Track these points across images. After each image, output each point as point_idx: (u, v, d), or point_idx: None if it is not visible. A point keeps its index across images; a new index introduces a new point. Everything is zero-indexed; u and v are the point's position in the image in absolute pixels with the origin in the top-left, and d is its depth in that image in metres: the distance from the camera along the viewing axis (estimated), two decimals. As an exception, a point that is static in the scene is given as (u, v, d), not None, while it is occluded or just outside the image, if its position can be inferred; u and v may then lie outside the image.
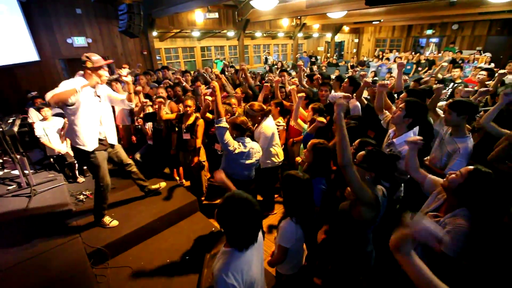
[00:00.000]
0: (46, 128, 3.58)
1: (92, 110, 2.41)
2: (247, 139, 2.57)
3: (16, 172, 3.47)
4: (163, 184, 3.24)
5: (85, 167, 3.91)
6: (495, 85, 3.45)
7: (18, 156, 3.18)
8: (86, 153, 2.44)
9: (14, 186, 3.36)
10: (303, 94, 3.02)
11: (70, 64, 7.40)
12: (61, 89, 2.14)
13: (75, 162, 3.72)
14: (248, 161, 2.57)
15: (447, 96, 4.31)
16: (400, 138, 2.20)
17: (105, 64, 2.39)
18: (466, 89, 3.33)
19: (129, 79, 2.65)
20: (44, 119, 3.60)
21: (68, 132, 2.45)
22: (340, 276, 1.87)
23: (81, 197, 3.21)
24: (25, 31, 5.63)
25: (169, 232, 2.89)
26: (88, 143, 2.41)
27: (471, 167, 1.46)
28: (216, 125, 2.40)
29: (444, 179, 1.54)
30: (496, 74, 3.63)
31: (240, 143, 2.50)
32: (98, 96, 2.50)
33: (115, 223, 2.72)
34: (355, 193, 1.57)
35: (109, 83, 3.82)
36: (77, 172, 3.74)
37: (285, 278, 1.86)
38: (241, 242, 1.19)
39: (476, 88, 4.05)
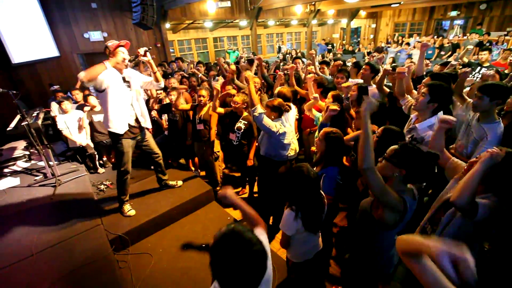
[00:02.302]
0: (67, 121, 3.72)
1: (121, 95, 2.51)
2: (284, 119, 2.60)
3: (42, 163, 3.65)
4: (180, 182, 3.29)
5: (104, 158, 4.06)
6: None
7: (43, 148, 3.34)
8: (116, 136, 2.58)
9: (41, 176, 3.55)
10: (312, 75, 3.01)
11: (88, 59, 7.61)
12: (93, 68, 2.27)
13: (95, 153, 3.85)
14: (286, 141, 2.62)
15: (475, 81, 4.04)
16: (423, 124, 2.08)
17: (119, 45, 2.44)
18: (484, 72, 3.04)
19: (147, 58, 2.67)
20: (64, 112, 3.74)
21: (104, 116, 2.58)
22: (356, 277, 1.80)
23: (102, 186, 3.34)
24: (45, 27, 5.82)
25: (185, 221, 2.96)
26: (119, 127, 2.54)
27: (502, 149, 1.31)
28: (253, 114, 2.45)
29: (464, 169, 1.43)
30: None
31: (281, 123, 2.54)
32: (128, 82, 2.58)
33: (132, 212, 2.81)
34: (376, 197, 1.44)
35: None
36: (97, 163, 3.88)
37: (291, 264, 1.86)
38: None
39: (506, 71, 3.77)
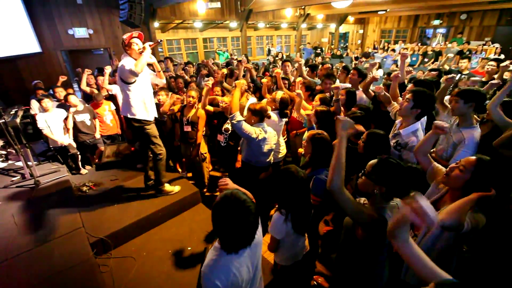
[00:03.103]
0: (48, 119, 3.58)
1: (147, 84, 2.66)
2: (265, 124, 2.56)
3: (20, 163, 3.49)
4: (177, 188, 3.16)
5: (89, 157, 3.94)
6: (499, 76, 3.34)
7: (22, 148, 3.20)
8: (145, 124, 2.66)
9: (18, 177, 3.39)
10: (300, 79, 2.94)
11: (72, 56, 7.38)
12: (141, 59, 2.38)
13: (78, 153, 3.73)
14: (267, 147, 2.57)
15: (452, 87, 4.21)
16: (407, 129, 2.15)
17: (132, 37, 2.48)
18: (472, 78, 3.25)
19: (153, 60, 2.67)
20: (45, 110, 3.59)
21: (128, 108, 2.58)
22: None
23: (84, 188, 3.22)
24: (26, 22, 5.60)
25: (171, 223, 2.90)
26: (150, 113, 2.68)
27: (473, 157, 1.37)
28: (231, 122, 2.41)
29: (444, 175, 1.46)
30: (500, 66, 3.53)
31: (261, 129, 2.49)
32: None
33: (178, 188, 3.05)
34: (351, 218, 1.39)
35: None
36: (80, 164, 3.76)
37: (280, 268, 1.86)
38: (231, 246, 1.11)
39: (484, 79, 3.95)
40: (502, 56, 7.47)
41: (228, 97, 3.09)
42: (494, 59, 4.12)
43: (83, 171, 3.73)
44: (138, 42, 2.51)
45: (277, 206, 1.71)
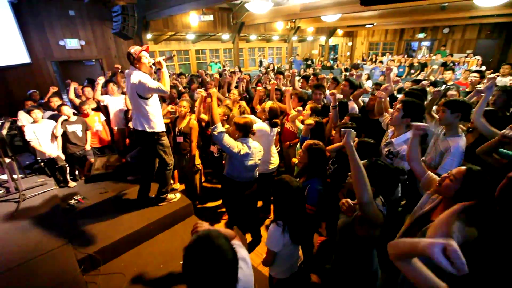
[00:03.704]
0: (37, 131, 3.49)
1: (157, 96, 2.69)
2: (250, 139, 2.54)
3: (4, 176, 3.37)
4: (178, 195, 3.15)
5: (76, 172, 3.84)
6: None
7: (7, 160, 3.09)
8: (159, 135, 2.69)
9: (2, 191, 3.27)
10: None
11: (62, 67, 7.31)
12: (165, 77, 2.47)
13: (66, 165, 3.64)
14: (251, 162, 2.53)
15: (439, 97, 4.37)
16: (399, 138, 2.21)
17: (142, 51, 2.49)
18: (449, 92, 3.40)
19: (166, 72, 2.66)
20: (35, 121, 3.51)
21: (147, 122, 2.59)
22: None
23: (72, 201, 3.12)
24: (16, 33, 5.54)
25: (163, 236, 2.83)
26: (162, 125, 2.72)
27: (463, 168, 1.42)
28: (212, 133, 2.36)
29: (436, 184, 1.49)
30: (486, 79, 3.69)
31: (244, 144, 2.46)
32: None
33: (179, 195, 3.10)
34: (371, 224, 1.44)
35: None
36: (68, 177, 3.66)
37: (276, 282, 1.83)
38: None
39: (467, 89, 4.11)
40: (484, 68, 7.81)
41: (222, 108, 3.10)
42: (476, 71, 4.32)
43: (71, 184, 3.62)
44: (147, 55, 2.52)
45: (272, 217, 1.70)
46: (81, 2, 6.26)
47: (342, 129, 1.49)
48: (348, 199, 1.63)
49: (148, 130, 2.61)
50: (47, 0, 5.96)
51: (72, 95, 4.46)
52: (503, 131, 1.83)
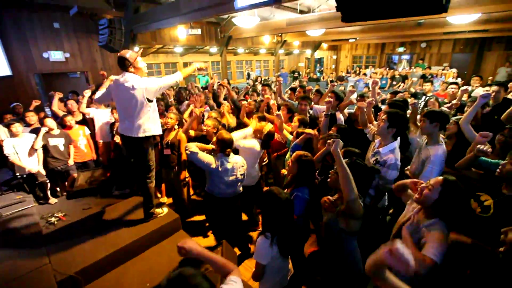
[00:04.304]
0: (17, 145, 3.35)
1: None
2: (231, 155, 2.53)
3: (-21, 194, 3.19)
4: (165, 209, 3.06)
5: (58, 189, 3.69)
6: (459, 99, 3.67)
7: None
8: (154, 139, 2.68)
9: (-24, 210, 3.07)
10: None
11: (45, 79, 7.13)
12: (164, 80, 2.51)
13: (47, 181, 3.48)
14: (231, 178, 2.52)
15: (420, 108, 4.57)
16: (385, 148, 2.28)
17: (138, 56, 2.46)
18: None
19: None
20: (15, 135, 3.38)
21: (153, 125, 2.56)
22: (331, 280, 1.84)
23: (53, 219, 2.98)
24: (-3, 45, 5.40)
25: (150, 253, 2.73)
26: (159, 127, 2.66)
27: (440, 178, 1.47)
28: (186, 153, 2.45)
29: (416, 194, 1.53)
30: (459, 91, 3.92)
31: (223, 159, 2.47)
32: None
33: (166, 209, 3.01)
34: (352, 212, 1.58)
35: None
36: (49, 193, 3.50)
37: None
38: None
39: (446, 100, 4.33)
40: (459, 80, 8.27)
41: (210, 120, 3.10)
42: (452, 83, 4.57)
43: (52, 200, 3.46)
44: (141, 60, 2.49)
45: (260, 229, 1.69)
46: (66, 15, 6.21)
47: (331, 139, 1.65)
48: (329, 197, 1.78)
49: (154, 133, 2.58)
50: (31, 13, 5.88)
51: (55, 107, 4.34)
52: (477, 146, 1.93)
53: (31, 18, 5.91)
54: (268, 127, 2.91)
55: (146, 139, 2.56)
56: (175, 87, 6.25)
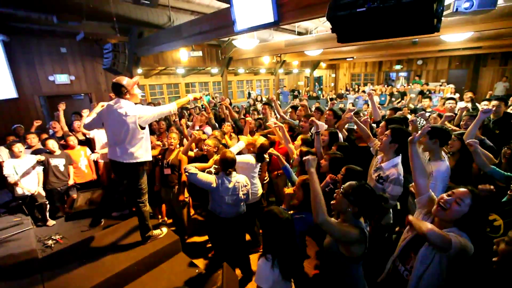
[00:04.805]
0: (17, 166, 3.35)
1: None
2: (233, 174, 2.52)
3: (-24, 217, 3.15)
4: (165, 230, 3.01)
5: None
6: (458, 117, 3.67)
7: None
8: (143, 164, 2.62)
9: (-27, 233, 3.02)
10: (274, 121, 3.12)
11: (50, 101, 7.27)
12: (159, 109, 2.57)
13: (47, 203, 3.45)
14: (233, 197, 2.49)
15: (422, 124, 4.58)
16: (388, 163, 2.26)
17: (135, 84, 2.54)
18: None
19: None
20: (17, 156, 3.39)
21: (144, 152, 2.56)
22: None
23: (50, 242, 2.91)
24: (5, 70, 5.58)
25: (148, 277, 2.63)
26: (150, 153, 2.66)
27: (466, 190, 1.38)
28: (185, 174, 2.45)
29: (437, 207, 1.45)
30: (457, 109, 3.97)
31: (225, 178, 2.45)
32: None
33: (165, 229, 2.97)
34: (339, 241, 1.53)
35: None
36: (47, 215, 3.45)
37: None
38: None
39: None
40: (457, 95, 8.36)
41: (210, 140, 3.11)
42: (449, 98, 4.63)
43: (50, 222, 3.40)
44: (136, 86, 2.55)
45: (261, 251, 1.63)
46: (73, 40, 6.46)
47: (303, 158, 1.67)
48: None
49: (146, 159, 2.58)
50: (39, 38, 6.13)
51: (63, 122, 4.42)
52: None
53: (39, 43, 6.15)
54: (260, 140, 2.91)
55: (139, 164, 2.55)
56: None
